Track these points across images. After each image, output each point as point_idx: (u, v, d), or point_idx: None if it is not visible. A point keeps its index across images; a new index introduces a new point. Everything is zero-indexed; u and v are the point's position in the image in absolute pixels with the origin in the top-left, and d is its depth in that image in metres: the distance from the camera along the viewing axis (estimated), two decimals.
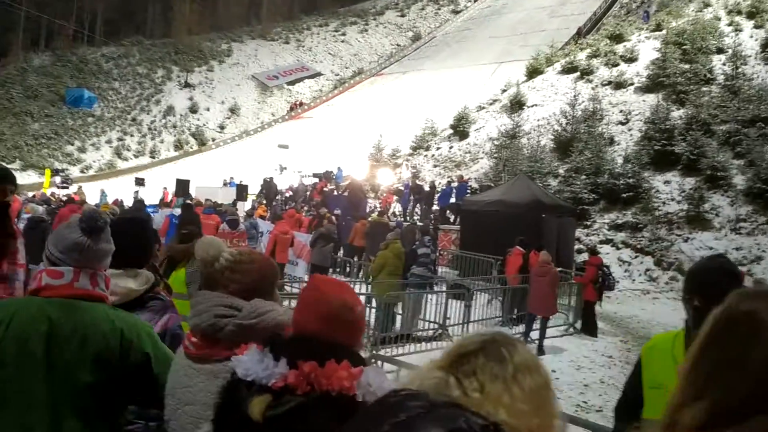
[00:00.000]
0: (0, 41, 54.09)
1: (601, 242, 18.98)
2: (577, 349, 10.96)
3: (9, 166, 39.07)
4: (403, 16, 65.28)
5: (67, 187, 26.56)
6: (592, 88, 27.35)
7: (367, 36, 62.83)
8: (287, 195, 26.44)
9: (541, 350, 10.22)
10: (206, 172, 33.62)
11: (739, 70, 24.26)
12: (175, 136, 47.32)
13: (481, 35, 53.91)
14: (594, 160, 21.51)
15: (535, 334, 10.69)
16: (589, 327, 12.27)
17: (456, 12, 63.64)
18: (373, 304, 9.74)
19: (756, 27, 27.76)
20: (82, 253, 1.93)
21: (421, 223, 16.94)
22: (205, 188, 25.57)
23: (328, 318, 1.57)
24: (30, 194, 21.60)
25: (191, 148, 46.49)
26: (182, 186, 23.10)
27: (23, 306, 1.90)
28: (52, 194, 23.10)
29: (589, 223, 19.90)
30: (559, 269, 12.21)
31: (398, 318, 9.96)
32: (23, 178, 35.94)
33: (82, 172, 40.44)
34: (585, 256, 17.99)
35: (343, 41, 61.99)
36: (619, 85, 27.16)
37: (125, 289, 2.40)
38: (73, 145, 43.49)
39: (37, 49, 54.31)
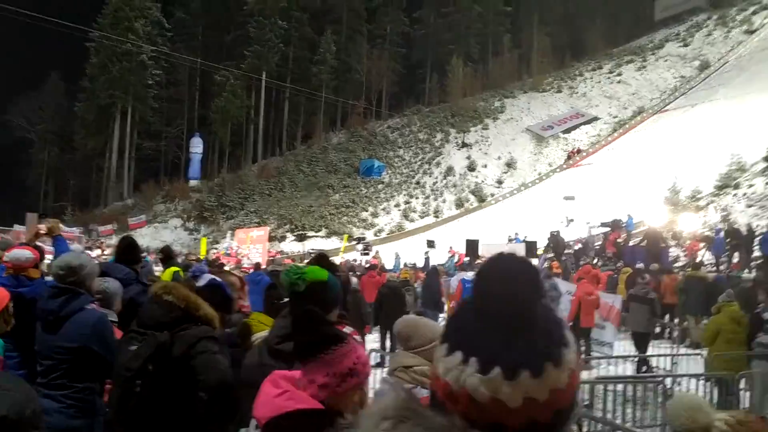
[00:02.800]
0: (306, 125, 62.64)
1: None
2: None
3: (316, 234, 44.32)
4: (686, 46, 60.17)
5: (368, 254, 28.80)
6: None
7: (645, 72, 59.00)
8: (576, 248, 25.18)
9: None
10: (488, 229, 33.88)
11: None
12: (455, 194, 49.03)
13: None
14: None
15: None
16: None
17: (750, 32, 56.69)
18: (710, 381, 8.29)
19: None
20: None
21: (745, 276, 14.51)
22: (492, 245, 25.55)
23: None
24: (337, 261, 23.78)
25: (471, 205, 47.66)
26: (472, 246, 23.37)
27: None
28: (354, 259, 25.16)
29: None
30: None
31: (745, 397, 8.32)
32: (328, 244, 40.25)
33: (375, 235, 43.85)
34: None
35: (619, 82, 59.05)
36: None
37: None
38: (367, 211, 47.60)
39: (334, 129, 61.61)
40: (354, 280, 11.23)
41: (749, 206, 23.67)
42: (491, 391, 0.80)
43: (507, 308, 0.84)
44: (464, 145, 54.43)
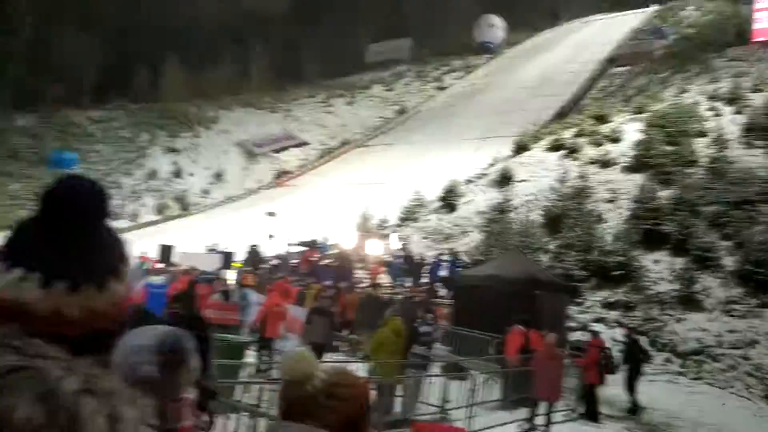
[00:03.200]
0: None
1: (594, 320, 18.70)
2: None
3: None
4: (389, 90, 66.67)
5: None
6: (579, 166, 27.71)
7: (353, 108, 63.84)
8: (274, 264, 25.92)
9: None
10: (189, 238, 33.00)
11: (722, 153, 24.77)
12: (157, 200, 46.85)
13: (466, 111, 55.07)
14: (584, 237, 21.50)
15: (536, 420, 10.23)
16: (590, 412, 11.83)
17: (441, 89, 65.20)
18: (372, 386, 9.26)
19: (736, 113, 28.56)
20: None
21: (417, 298, 16.56)
22: (189, 254, 24.98)
23: None
24: None
25: (173, 212, 45.96)
26: (165, 252, 22.50)
27: None
28: None
29: (581, 300, 19.67)
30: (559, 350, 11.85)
31: (396, 401, 9.44)
32: None
33: None
34: (578, 335, 17.70)
35: (330, 112, 62.87)
36: (605, 163, 27.54)
37: None
38: None
39: (22, 110, 54.26)
40: None
41: (424, 238, 27.02)
42: (53, 304, 0.84)
43: (70, 225, 0.89)
44: (172, 150, 52.45)
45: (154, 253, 25.79)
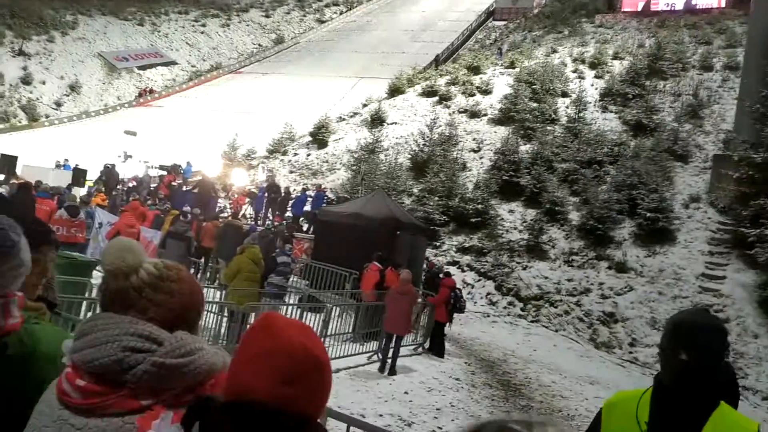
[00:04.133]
0: None
1: (448, 263, 19.52)
2: (427, 370, 11.03)
3: None
4: (267, 16, 64.09)
5: None
6: (450, 114, 28.38)
7: (228, 31, 60.82)
8: (130, 185, 24.52)
9: (393, 370, 10.12)
10: (36, 151, 30.36)
11: (581, 114, 26.31)
12: (1, 107, 42.46)
13: (344, 48, 54.29)
14: (447, 183, 22.18)
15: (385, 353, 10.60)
16: (437, 347, 12.44)
17: (321, 22, 63.68)
18: (225, 312, 9.11)
19: (596, 77, 30.38)
20: None
21: (274, 228, 16.36)
22: (35, 168, 23.04)
23: (286, 377, 1.14)
24: None
25: (20, 122, 41.94)
26: (8, 163, 20.54)
27: None
28: None
29: (438, 243, 20.44)
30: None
31: None
32: None
33: None
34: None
35: (202, 32, 59.49)
36: (474, 114, 28.41)
37: None
38: None
39: None
40: None
41: (291, 172, 26.68)
42: None
43: None
44: (21, 53, 47.44)
45: None
